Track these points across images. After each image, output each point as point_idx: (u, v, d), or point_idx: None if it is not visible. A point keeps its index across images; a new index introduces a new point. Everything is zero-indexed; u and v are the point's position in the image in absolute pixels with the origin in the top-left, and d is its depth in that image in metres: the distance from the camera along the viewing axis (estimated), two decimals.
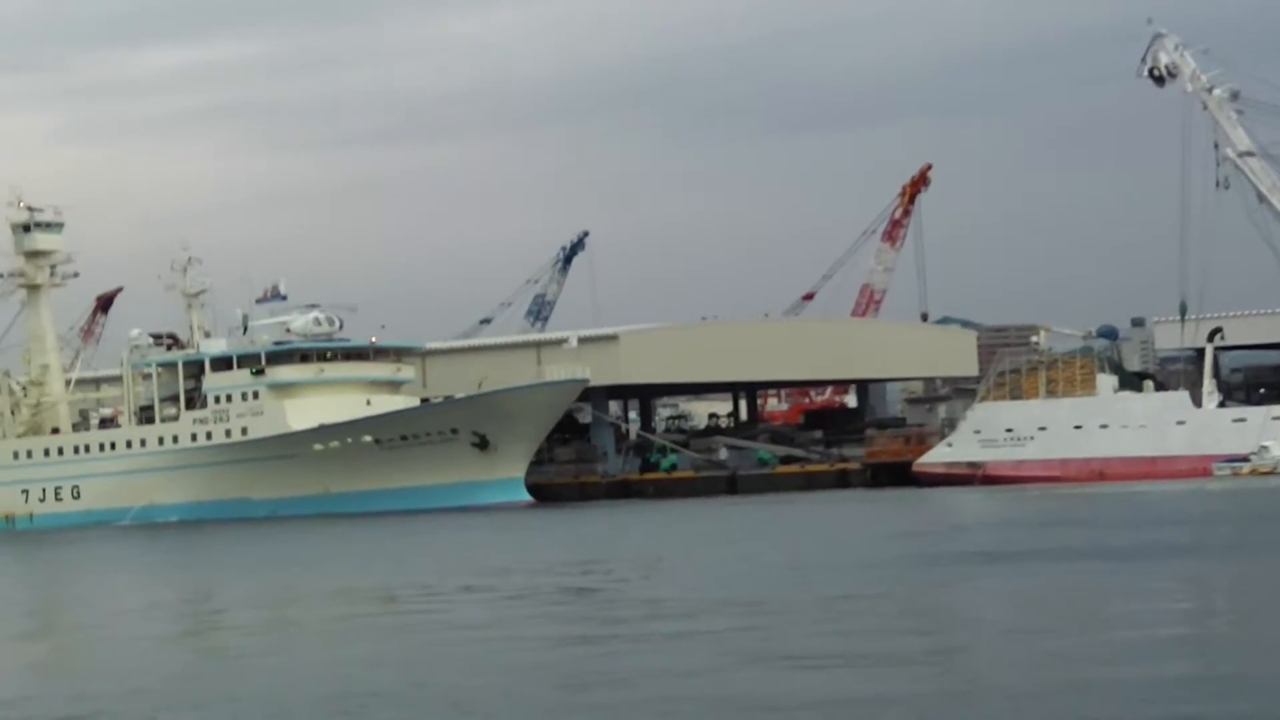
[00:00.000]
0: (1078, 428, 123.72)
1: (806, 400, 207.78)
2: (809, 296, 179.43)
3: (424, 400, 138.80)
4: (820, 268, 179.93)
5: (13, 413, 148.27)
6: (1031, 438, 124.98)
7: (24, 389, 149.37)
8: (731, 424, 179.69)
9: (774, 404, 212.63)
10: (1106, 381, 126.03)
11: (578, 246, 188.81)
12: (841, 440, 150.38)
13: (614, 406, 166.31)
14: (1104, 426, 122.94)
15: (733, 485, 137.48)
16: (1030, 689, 26.73)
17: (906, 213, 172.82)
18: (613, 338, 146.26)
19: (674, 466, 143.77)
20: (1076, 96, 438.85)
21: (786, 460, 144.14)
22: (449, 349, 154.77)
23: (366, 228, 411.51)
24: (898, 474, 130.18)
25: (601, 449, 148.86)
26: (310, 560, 75.51)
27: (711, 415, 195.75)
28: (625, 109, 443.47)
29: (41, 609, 58.95)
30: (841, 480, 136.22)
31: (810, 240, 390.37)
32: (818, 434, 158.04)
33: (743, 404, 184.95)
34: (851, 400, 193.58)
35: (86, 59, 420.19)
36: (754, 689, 27.65)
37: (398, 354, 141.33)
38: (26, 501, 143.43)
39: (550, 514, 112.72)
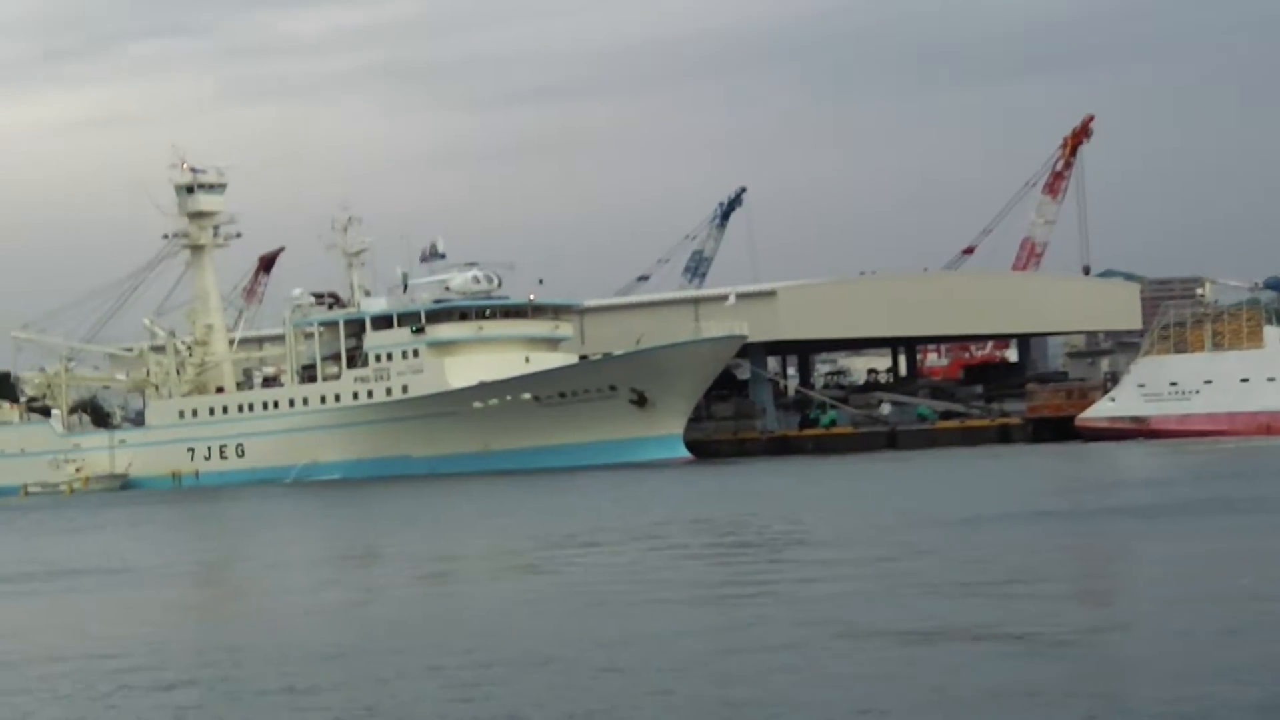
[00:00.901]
0: (1244, 381, 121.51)
1: (967, 355, 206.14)
2: (969, 250, 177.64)
3: (582, 357, 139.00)
4: (980, 221, 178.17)
5: (178, 372, 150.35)
6: (1197, 391, 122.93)
7: (189, 349, 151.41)
8: (891, 379, 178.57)
9: (934, 359, 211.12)
10: (1274, 334, 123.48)
11: (735, 202, 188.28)
12: (1002, 395, 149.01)
13: (772, 363, 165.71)
14: (1271, 380, 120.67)
15: (892, 441, 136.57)
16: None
17: (1068, 164, 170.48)
18: (771, 294, 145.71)
19: (833, 422, 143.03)
20: (1251, 40, 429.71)
21: (946, 416, 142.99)
22: (607, 306, 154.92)
23: (525, 186, 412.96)
24: (1060, 429, 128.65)
25: (760, 405, 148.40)
26: (474, 516, 75.72)
27: (870, 371, 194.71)
28: (782, 62, 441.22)
29: (214, 564, 59.53)
30: (1002, 436, 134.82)
31: (970, 194, 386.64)
32: (978, 389, 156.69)
33: (902, 359, 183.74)
34: (1012, 355, 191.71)
35: (245, 20, 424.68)
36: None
37: (556, 311, 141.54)
38: (192, 460, 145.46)
39: (709, 470, 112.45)
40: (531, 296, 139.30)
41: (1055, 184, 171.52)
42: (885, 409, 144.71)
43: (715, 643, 28.95)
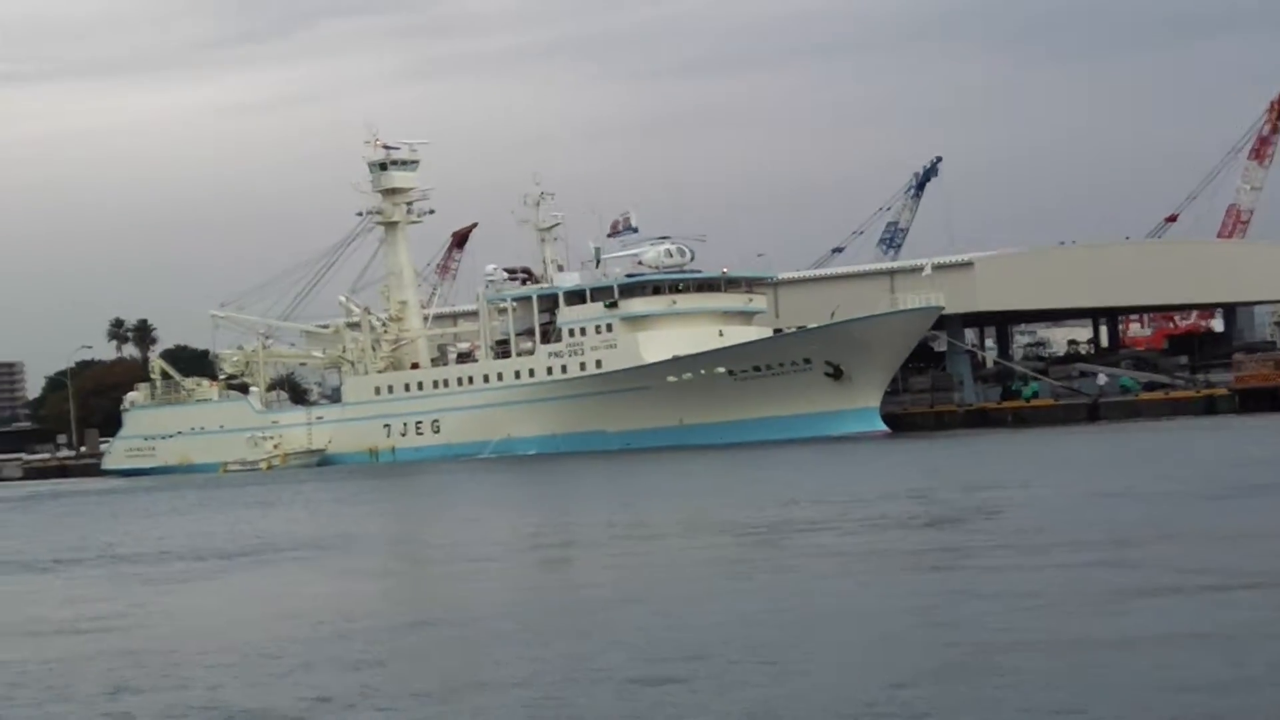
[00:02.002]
0: None
1: (1170, 325, 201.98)
2: (1172, 218, 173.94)
3: (776, 331, 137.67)
4: (1184, 188, 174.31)
5: (374, 348, 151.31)
6: None
7: (384, 325, 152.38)
8: (1092, 350, 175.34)
9: (1136, 329, 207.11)
10: None
11: (930, 173, 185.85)
12: (1208, 365, 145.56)
13: (969, 334, 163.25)
14: None
15: (1094, 413, 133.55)
16: None
17: (1275, 129, 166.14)
18: (968, 264, 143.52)
19: (1035, 394, 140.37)
20: None
21: (1150, 387, 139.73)
22: (801, 279, 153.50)
23: (718, 158, 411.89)
24: (1269, 400, 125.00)
25: (957, 377, 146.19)
26: (672, 491, 74.89)
27: (1071, 342, 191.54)
28: (977, 29, 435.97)
29: (415, 538, 59.27)
30: (1208, 407, 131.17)
31: (1173, 160, 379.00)
32: (1182, 359, 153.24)
33: (1103, 329, 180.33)
34: (1218, 324, 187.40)
35: None
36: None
37: (749, 284, 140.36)
38: (388, 436, 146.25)
39: (907, 444, 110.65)
40: (725, 270, 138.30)
41: (1262, 149, 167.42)
42: (1102, 379, 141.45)
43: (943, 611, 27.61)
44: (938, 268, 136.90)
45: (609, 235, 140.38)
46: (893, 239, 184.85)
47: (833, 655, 25.03)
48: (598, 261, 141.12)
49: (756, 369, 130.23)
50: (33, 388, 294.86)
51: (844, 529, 45.96)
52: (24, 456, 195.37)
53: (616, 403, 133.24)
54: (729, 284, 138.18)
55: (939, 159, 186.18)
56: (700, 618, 29.73)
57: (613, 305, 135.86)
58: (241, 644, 30.07)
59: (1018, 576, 32.83)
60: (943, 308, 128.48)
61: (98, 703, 24.57)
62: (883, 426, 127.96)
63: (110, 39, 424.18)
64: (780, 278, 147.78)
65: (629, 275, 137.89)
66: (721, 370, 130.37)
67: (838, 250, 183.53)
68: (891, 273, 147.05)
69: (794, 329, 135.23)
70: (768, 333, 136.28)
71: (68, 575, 48.93)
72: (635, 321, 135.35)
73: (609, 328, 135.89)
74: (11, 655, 30.33)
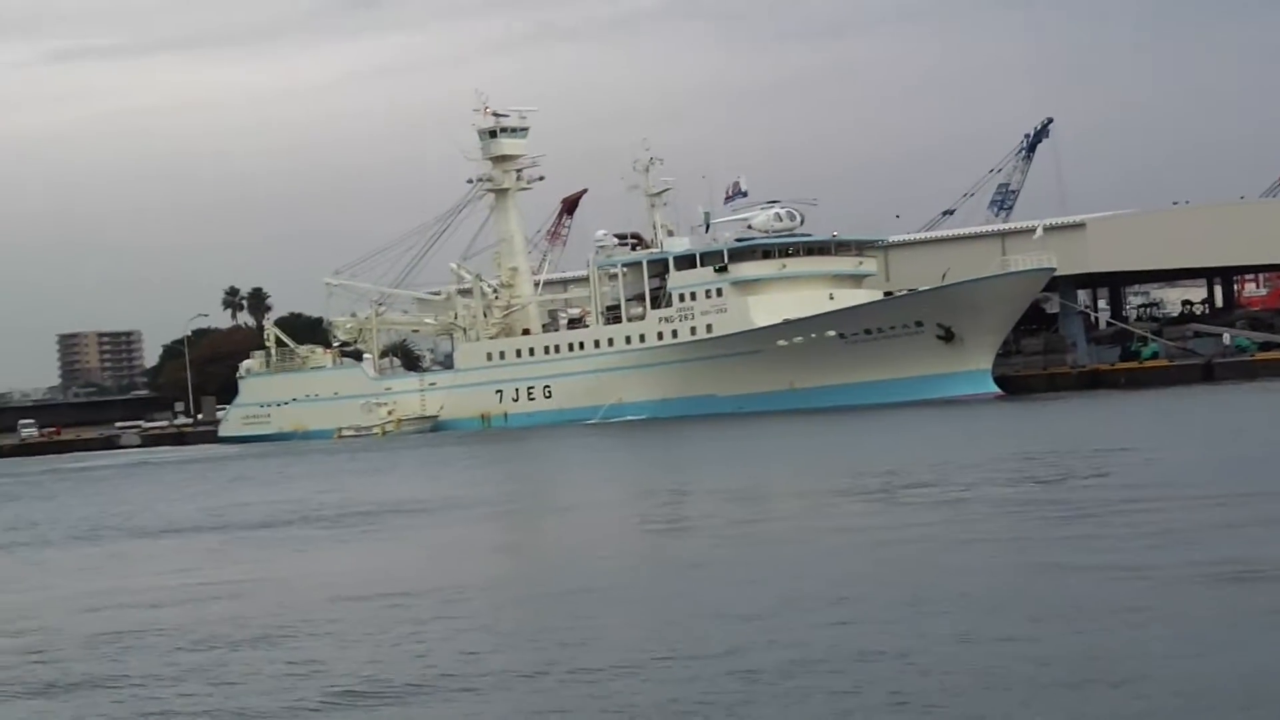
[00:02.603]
0: None
1: None
2: None
3: (887, 294, 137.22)
4: None
5: (485, 315, 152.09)
6: None
7: (495, 292, 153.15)
8: (1206, 310, 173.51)
9: (1251, 289, 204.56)
10: None
11: (1041, 134, 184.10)
12: None
13: (1082, 296, 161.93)
14: None
15: (1209, 374, 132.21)
16: None
17: None
18: (1079, 226, 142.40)
19: (1155, 355, 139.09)
20: None
21: (1266, 347, 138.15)
22: (911, 241, 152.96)
23: (827, 121, 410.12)
24: None
25: (1070, 339, 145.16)
26: (786, 454, 74.92)
27: (1185, 302, 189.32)
28: None
29: (530, 501, 59.69)
30: None
31: None
32: None
33: (1218, 290, 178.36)
34: None
35: None
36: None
37: (859, 248, 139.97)
38: (500, 401, 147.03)
39: (1022, 406, 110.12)
40: (835, 233, 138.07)
41: None
42: (1226, 339, 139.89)
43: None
44: (1049, 229, 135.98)
45: (725, 201, 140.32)
46: (1004, 201, 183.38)
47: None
48: (707, 226, 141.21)
49: (867, 332, 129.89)
50: (150, 356, 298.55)
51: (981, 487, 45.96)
52: (142, 424, 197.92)
53: (727, 367, 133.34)
54: (839, 247, 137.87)
55: (1050, 120, 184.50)
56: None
57: (723, 270, 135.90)
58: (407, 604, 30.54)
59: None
60: (1054, 269, 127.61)
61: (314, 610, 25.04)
62: (995, 389, 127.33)
63: (225, 10, 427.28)
64: (891, 241, 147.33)
65: (739, 239, 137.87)
66: (832, 334, 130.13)
67: (948, 213, 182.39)
68: (1003, 235, 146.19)
69: (905, 292, 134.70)
70: (878, 296, 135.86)
71: (233, 538, 49.73)
72: (745, 286, 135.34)
73: (719, 292, 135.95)
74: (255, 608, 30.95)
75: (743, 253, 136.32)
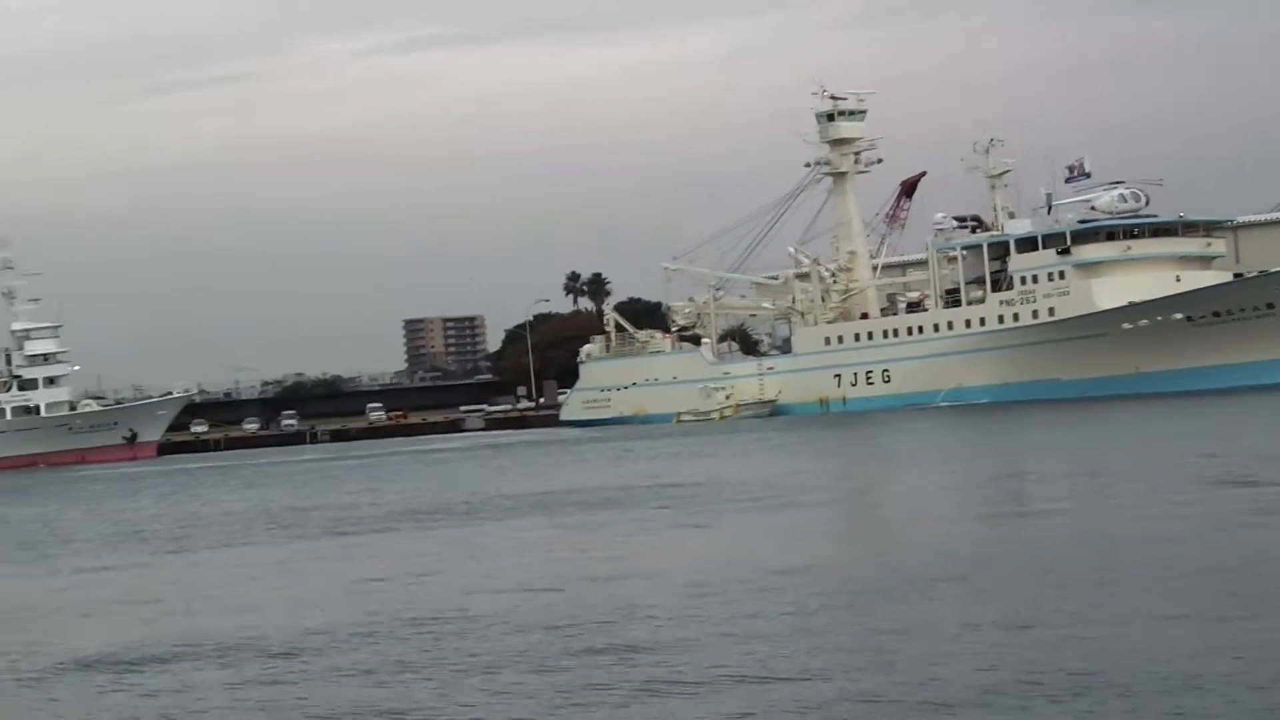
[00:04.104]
0: None
1: None
2: None
3: (1237, 275, 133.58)
4: None
5: (823, 299, 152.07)
6: None
7: (833, 275, 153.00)
8: None
9: None
10: None
11: None
12: None
13: None
14: None
15: None
16: None
17: None
18: None
19: None
20: None
21: None
22: (1263, 222, 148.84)
23: (1168, 96, 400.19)
24: None
25: None
26: (1146, 440, 73.22)
27: None
28: None
29: (864, 486, 59.55)
30: None
31: None
32: None
33: None
34: None
35: None
36: None
37: (1207, 228, 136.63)
38: (839, 385, 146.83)
39: None
40: (1181, 214, 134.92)
41: None
42: None
43: None
44: None
45: (1066, 181, 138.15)
46: None
47: None
48: (1049, 208, 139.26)
49: (1216, 315, 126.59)
50: (493, 341, 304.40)
51: None
52: (485, 408, 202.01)
53: (1070, 351, 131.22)
54: (1186, 228, 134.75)
55: None
56: None
57: (1065, 252, 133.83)
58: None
59: None
60: None
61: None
62: None
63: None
64: (1240, 221, 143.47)
65: (1082, 221, 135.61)
66: (1179, 316, 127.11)
67: None
68: None
69: (1255, 273, 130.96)
70: (1227, 277, 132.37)
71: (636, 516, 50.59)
72: (1089, 268, 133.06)
73: (1061, 275, 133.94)
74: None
75: (1086, 234, 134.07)
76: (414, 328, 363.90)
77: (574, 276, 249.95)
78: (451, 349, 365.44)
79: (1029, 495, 48.90)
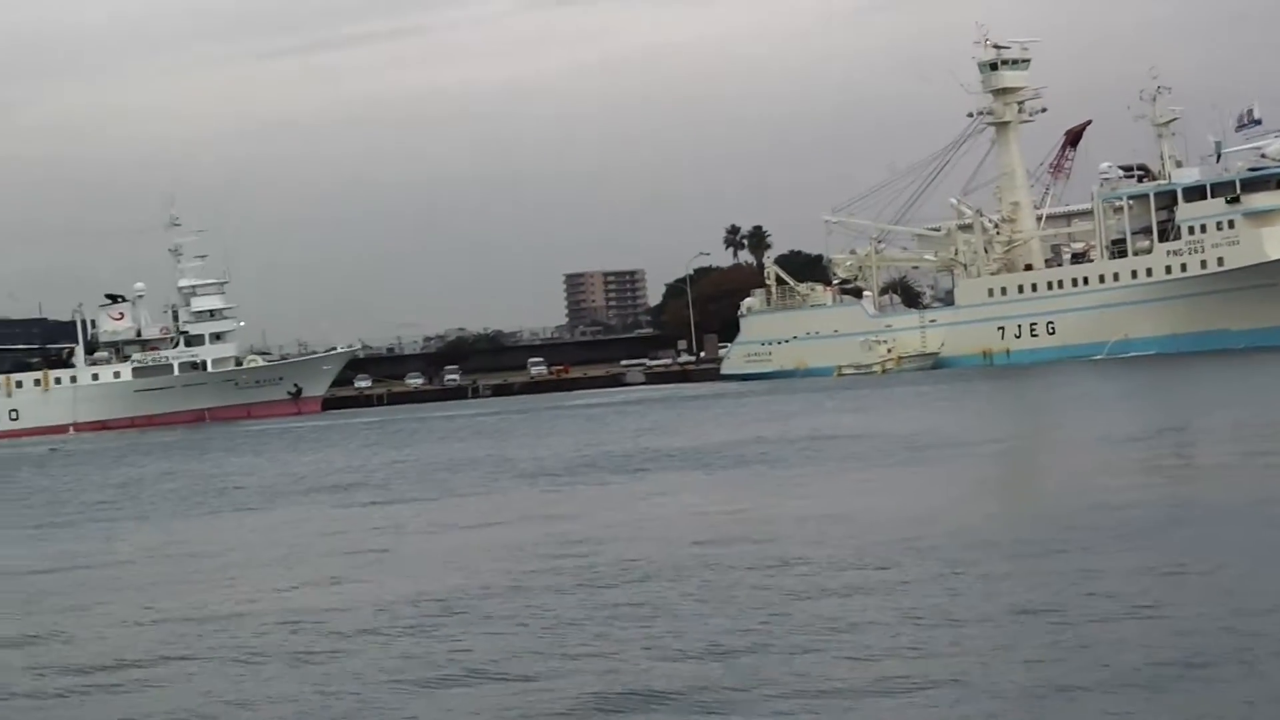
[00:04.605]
0: None
1: None
2: None
3: None
4: None
5: (986, 250, 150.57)
6: None
7: (996, 227, 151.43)
8: None
9: None
10: None
11: None
12: None
13: None
14: None
15: None
16: None
17: None
18: None
19: None
20: None
21: None
22: None
23: None
24: None
25: None
26: None
27: None
28: None
29: (1021, 439, 58.98)
30: None
31: None
32: None
33: None
34: None
35: None
36: None
37: None
38: (1002, 338, 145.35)
39: None
40: None
41: None
42: None
43: None
44: None
45: (1236, 129, 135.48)
46: None
47: None
48: (1218, 156, 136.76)
49: None
50: (653, 295, 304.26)
51: None
52: (646, 362, 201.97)
53: (1239, 301, 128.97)
54: None
55: None
56: None
57: (1234, 201, 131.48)
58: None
59: None
60: None
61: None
62: None
63: None
64: None
65: (1252, 169, 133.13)
66: None
67: None
68: None
69: None
70: None
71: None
72: (1259, 217, 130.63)
73: (1230, 224, 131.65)
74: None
75: (1256, 183, 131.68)
76: (574, 282, 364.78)
77: (734, 230, 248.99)
78: (612, 303, 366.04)
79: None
